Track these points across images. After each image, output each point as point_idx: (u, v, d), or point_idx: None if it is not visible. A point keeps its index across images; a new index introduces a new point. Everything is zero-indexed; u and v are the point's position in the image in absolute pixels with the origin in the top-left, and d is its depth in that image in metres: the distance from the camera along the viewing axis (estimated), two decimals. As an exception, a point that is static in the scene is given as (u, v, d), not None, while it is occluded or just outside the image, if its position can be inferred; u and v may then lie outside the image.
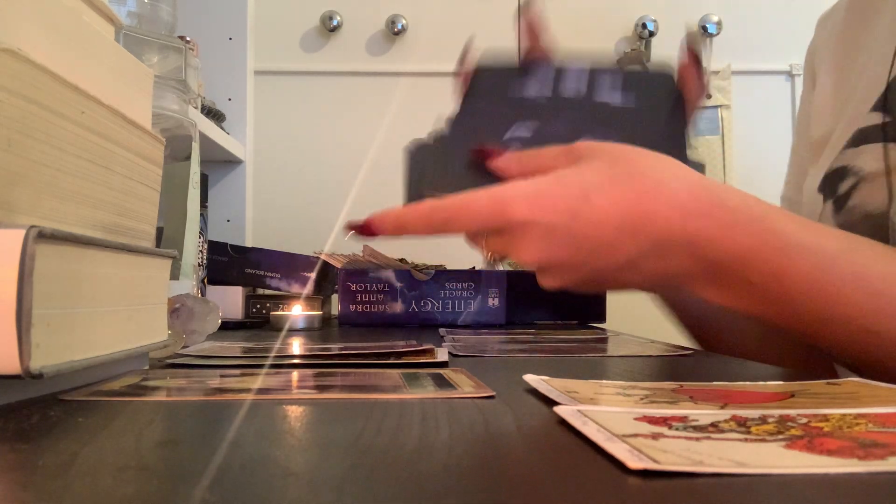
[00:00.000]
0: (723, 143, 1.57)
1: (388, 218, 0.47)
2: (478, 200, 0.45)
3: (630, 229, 0.44)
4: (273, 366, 0.47)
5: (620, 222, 0.44)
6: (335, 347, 0.59)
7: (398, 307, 0.97)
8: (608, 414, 0.27)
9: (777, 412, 0.28)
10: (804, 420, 0.26)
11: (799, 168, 0.72)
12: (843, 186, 0.57)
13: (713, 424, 0.26)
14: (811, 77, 0.73)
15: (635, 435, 0.24)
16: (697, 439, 0.23)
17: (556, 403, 0.30)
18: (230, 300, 1.02)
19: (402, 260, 1.09)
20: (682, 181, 0.45)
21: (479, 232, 0.48)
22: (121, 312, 0.38)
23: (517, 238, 0.46)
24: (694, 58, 0.54)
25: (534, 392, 0.35)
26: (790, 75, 1.59)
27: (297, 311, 0.90)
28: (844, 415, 0.27)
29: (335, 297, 1.11)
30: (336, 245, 1.28)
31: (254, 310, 1.04)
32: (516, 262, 0.48)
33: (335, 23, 1.53)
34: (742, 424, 0.26)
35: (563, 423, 0.27)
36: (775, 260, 0.43)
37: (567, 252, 0.45)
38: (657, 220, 0.44)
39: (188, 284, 0.65)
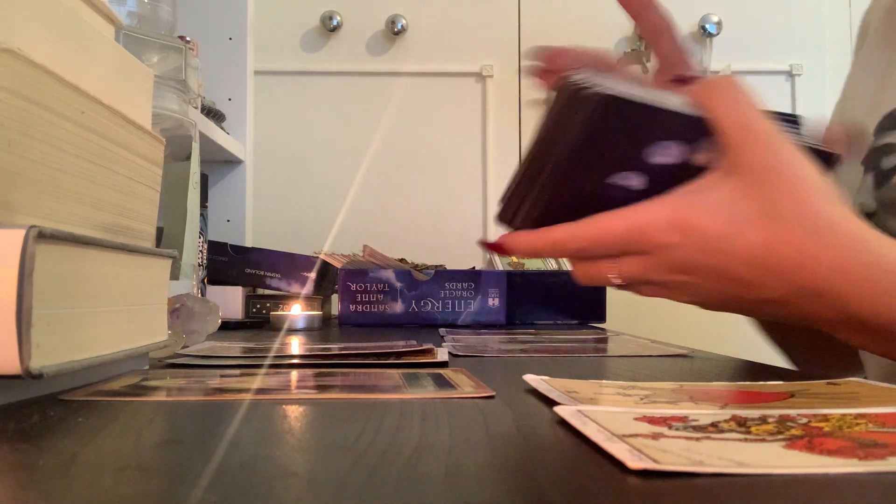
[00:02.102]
0: (723, 143, 1.57)
1: (520, 242, 0.45)
2: (613, 228, 0.42)
3: (781, 274, 0.41)
4: (273, 366, 0.47)
5: (775, 265, 0.40)
6: (335, 347, 0.59)
7: (398, 307, 0.97)
8: (608, 414, 0.27)
9: (777, 412, 0.28)
10: (804, 420, 0.26)
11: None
12: (887, 163, 0.57)
13: (713, 424, 0.26)
14: (862, 38, 0.72)
15: (635, 435, 0.24)
16: (697, 439, 0.23)
17: (556, 403, 0.30)
18: (230, 300, 1.02)
19: (402, 260, 1.09)
20: (844, 228, 0.41)
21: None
22: (121, 312, 0.38)
23: (656, 259, 0.42)
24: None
25: (534, 392, 0.35)
26: (790, 75, 1.59)
27: (297, 311, 0.90)
28: (844, 415, 0.27)
29: (335, 297, 1.11)
30: (336, 245, 1.28)
31: (254, 310, 1.04)
32: (654, 289, 0.45)
33: (335, 23, 1.53)
34: (742, 424, 0.26)
35: (563, 423, 0.27)
36: None
37: (707, 283, 0.42)
38: (816, 275, 0.40)
39: (188, 284, 0.65)
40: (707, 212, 0.41)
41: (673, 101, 0.42)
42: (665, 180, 0.42)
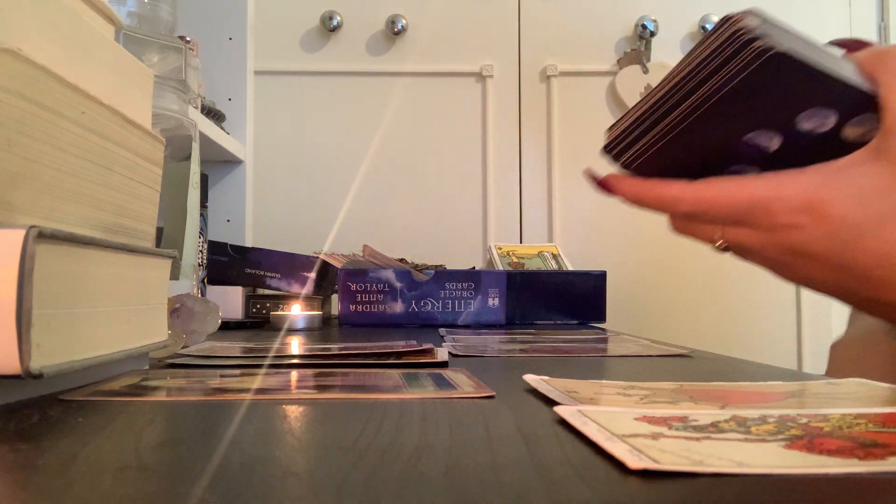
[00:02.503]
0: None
1: (627, 188, 0.42)
2: (736, 197, 0.39)
3: None
4: (273, 366, 0.47)
5: None
6: (335, 347, 0.59)
7: (398, 307, 0.97)
8: (608, 414, 0.27)
9: (777, 412, 0.28)
10: (804, 420, 0.26)
11: None
12: None
13: (713, 424, 0.26)
14: None
15: (635, 435, 0.24)
16: (697, 439, 0.23)
17: (556, 403, 0.30)
18: (230, 300, 1.02)
19: (402, 260, 1.09)
20: None
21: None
22: (121, 312, 0.38)
23: (771, 237, 0.39)
24: None
25: (534, 392, 0.35)
26: (790, 75, 1.59)
27: (297, 311, 0.90)
28: (844, 415, 0.27)
29: (335, 297, 1.11)
30: (336, 245, 1.28)
31: (254, 310, 1.04)
32: (758, 260, 0.41)
33: (335, 23, 1.53)
34: (742, 424, 0.26)
35: (563, 423, 0.27)
36: None
37: (824, 272, 0.39)
38: None
39: (188, 284, 0.65)
40: (848, 198, 0.37)
41: (843, 67, 0.38)
42: (804, 149, 0.39)
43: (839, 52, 0.41)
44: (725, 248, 0.42)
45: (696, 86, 0.38)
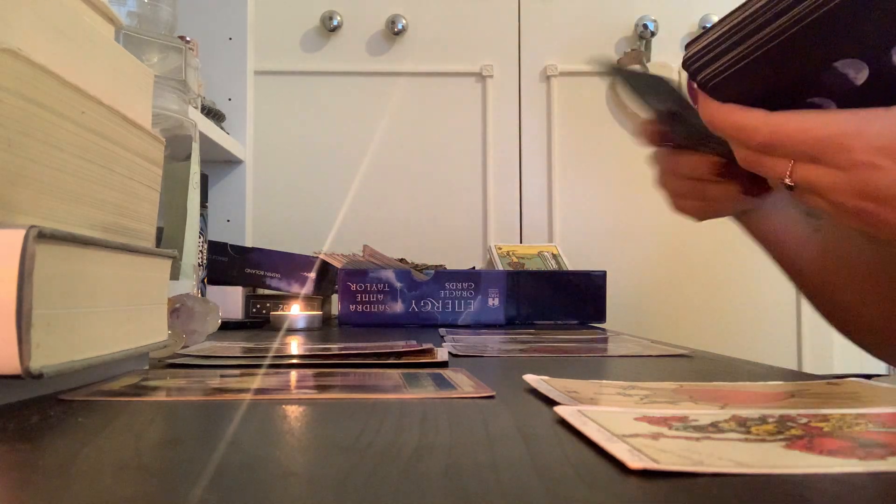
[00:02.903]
0: (723, 143, 1.57)
1: (705, 108, 0.41)
2: (815, 132, 0.38)
3: None
4: (273, 366, 0.47)
5: None
6: (335, 347, 0.59)
7: (398, 307, 0.97)
8: (608, 414, 0.27)
9: (777, 412, 0.28)
10: (804, 420, 0.26)
11: None
12: None
13: (713, 424, 0.26)
14: None
15: (635, 435, 0.24)
16: (697, 439, 0.23)
17: (556, 403, 0.30)
18: (230, 300, 1.02)
19: (402, 260, 1.09)
20: None
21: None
22: (121, 312, 0.38)
23: (848, 177, 0.38)
24: None
25: (534, 392, 0.35)
26: (790, 75, 1.59)
27: (297, 311, 0.90)
28: (844, 415, 0.27)
29: (335, 297, 1.11)
30: (336, 245, 1.28)
31: (254, 310, 1.04)
32: (820, 198, 0.40)
33: (335, 23, 1.53)
34: (742, 424, 0.26)
35: (563, 423, 0.27)
36: None
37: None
38: None
39: (188, 284, 0.65)
40: None
41: None
42: (886, 85, 0.37)
43: None
44: (791, 187, 0.40)
45: (788, 5, 0.36)
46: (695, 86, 0.42)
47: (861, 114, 0.38)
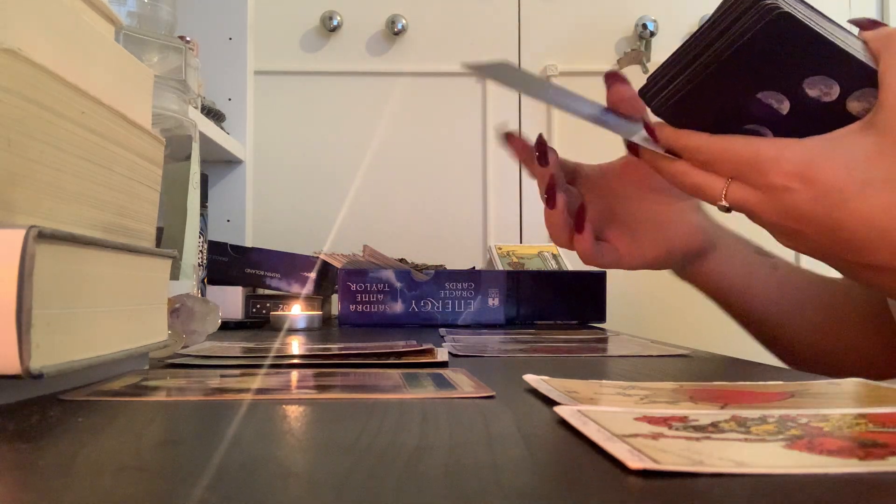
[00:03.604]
0: (723, 143, 1.57)
1: (661, 132, 0.46)
2: (740, 151, 0.42)
3: (893, 243, 0.40)
4: (273, 366, 0.47)
5: (891, 232, 0.40)
6: (335, 347, 0.59)
7: (398, 307, 0.97)
8: (608, 414, 0.27)
9: (777, 412, 0.28)
10: (804, 420, 0.26)
11: None
12: None
13: (713, 424, 0.26)
14: None
15: (635, 435, 0.24)
16: (697, 439, 0.23)
17: (556, 403, 0.30)
18: (230, 300, 1.01)
19: (402, 260, 1.09)
20: None
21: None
22: (121, 312, 0.38)
23: (768, 198, 0.42)
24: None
25: (534, 392, 0.35)
26: (790, 75, 1.59)
27: (297, 311, 0.90)
28: (844, 415, 0.27)
29: (335, 297, 1.11)
30: (336, 245, 1.28)
31: (254, 310, 1.04)
32: (754, 218, 0.45)
33: (335, 23, 1.53)
34: (742, 424, 0.26)
35: (563, 423, 0.27)
36: None
37: (815, 236, 0.42)
38: None
39: (188, 284, 0.65)
40: (837, 165, 0.40)
41: (851, 41, 0.41)
42: (813, 119, 0.42)
43: (854, 29, 0.44)
44: (726, 209, 0.45)
45: (711, 40, 0.41)
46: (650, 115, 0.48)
47: (781, 141, 0.42)
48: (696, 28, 0.60)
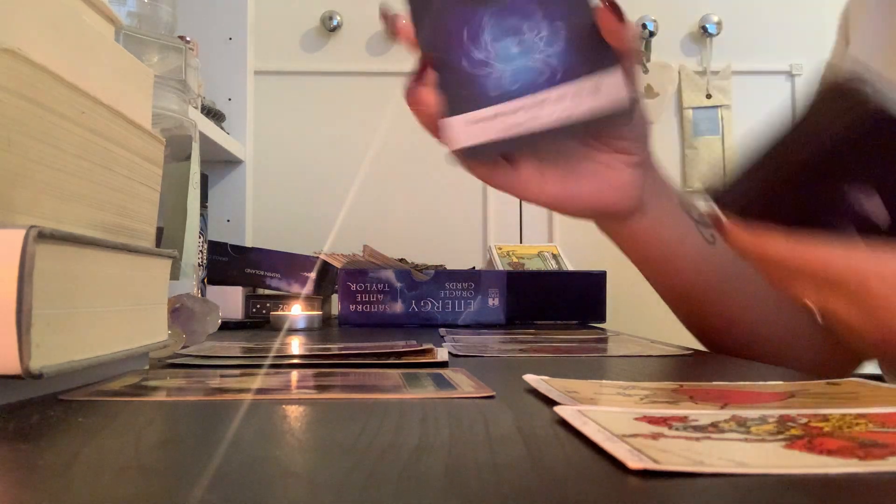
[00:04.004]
0: (723, 143, 1.57)
1: (730, 233, 0.42)
2: (834, 263, 0.39)
3: None
4: (273, 366, 0.47)
5: None
6: (335, 347, 0.59)
7: (398, 307, 0.97)
8: (608, 414, 0.27)
9: (777, 412, 0.28)
10: (804, 420, 0.26)
11: None
12: None
13: (713, 424, 0.26)
14: (844, 35, 0.70)
15: (635, 435, 0.24)
16: (697, 439, 0.23)
17: (556, 403, 0.30)
18: (230, 300, 1.02)
19: (402, 260, 1.09)
20: None
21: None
22: (121, 312, 0.38)
23: (867, 315, 0.39)
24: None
25: (534, 392, 0.35)
26: (790, 75, 1.59)
27: (297, 311, 0.90)
28: (844, 415, 0.27)
29: (335, 297, 1.11)
30: (336, 245, 1.28)
31: (254, 310, 1.04)
32: (845, 331, 0.41)
33: (335, 23, 1.53)
34: (742, 424, 0.26)
35: (563, 423, 0.27)
36: None
37: None
38: None
39: (188, 284, 0.65)
40: None
41: None
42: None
43: None
44: (827, 318, 0.41)
45: (805, 138, 0.39)
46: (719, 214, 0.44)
47: (881, 253, 0.38)
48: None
